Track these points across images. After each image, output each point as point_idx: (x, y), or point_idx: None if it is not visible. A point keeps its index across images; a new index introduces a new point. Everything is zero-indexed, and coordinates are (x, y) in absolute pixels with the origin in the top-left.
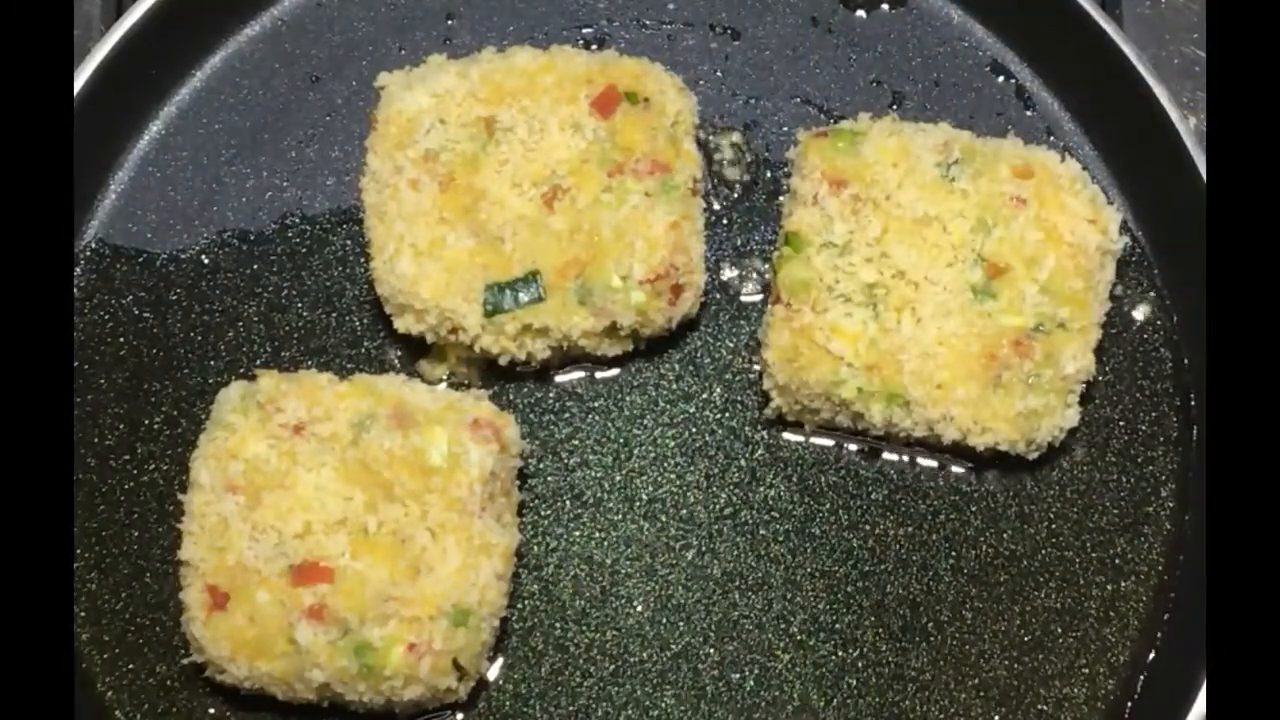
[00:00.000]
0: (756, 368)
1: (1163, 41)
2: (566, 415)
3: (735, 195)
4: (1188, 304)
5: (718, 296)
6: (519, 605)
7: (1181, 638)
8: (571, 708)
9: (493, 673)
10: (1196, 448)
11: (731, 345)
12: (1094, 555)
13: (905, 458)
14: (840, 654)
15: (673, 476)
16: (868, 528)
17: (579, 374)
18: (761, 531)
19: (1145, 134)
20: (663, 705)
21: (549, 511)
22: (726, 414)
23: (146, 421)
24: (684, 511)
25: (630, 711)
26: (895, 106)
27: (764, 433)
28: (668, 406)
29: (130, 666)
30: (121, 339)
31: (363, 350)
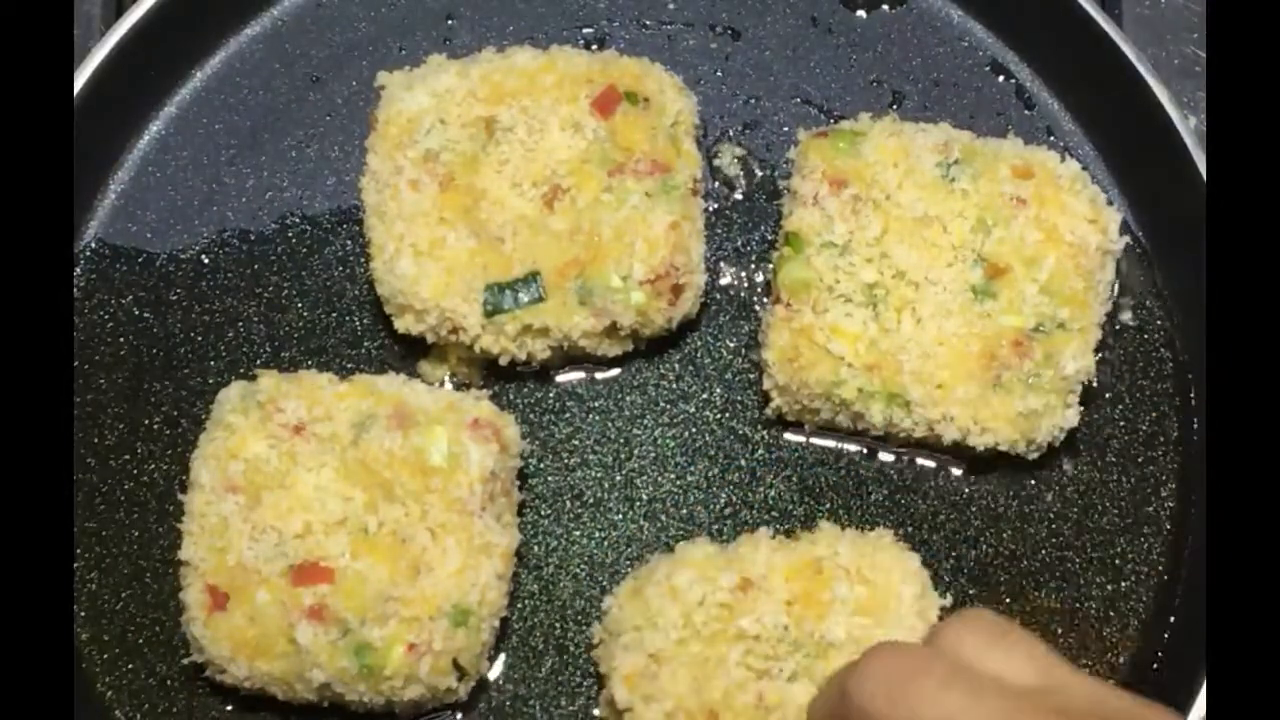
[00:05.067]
0: (757, 368)
1: (1163, 41)
2: (566, 415)
3: (735, 195)
4: (1188, 304)
5: (718, 296)
6: (519, 605)
7: (1182, 638)
8: (571, 708)
9: (493, 673)
10: (1196, 448)
11: (731, 345)
12: (1094, 555)
13: (905, 458)
14: None
15: (673, 476)
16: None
17: (579, 374)
18: None
19: (1145, 134)
20: None
21: (549, 511)
22: (726, 414)
23: (146, 421)
24: (684, 511)
25: None
26: (895, 106)
27: (764, 433)
28: (668, 406)
29: (130, 666)
30: (121, 339)
31: (363, 350)
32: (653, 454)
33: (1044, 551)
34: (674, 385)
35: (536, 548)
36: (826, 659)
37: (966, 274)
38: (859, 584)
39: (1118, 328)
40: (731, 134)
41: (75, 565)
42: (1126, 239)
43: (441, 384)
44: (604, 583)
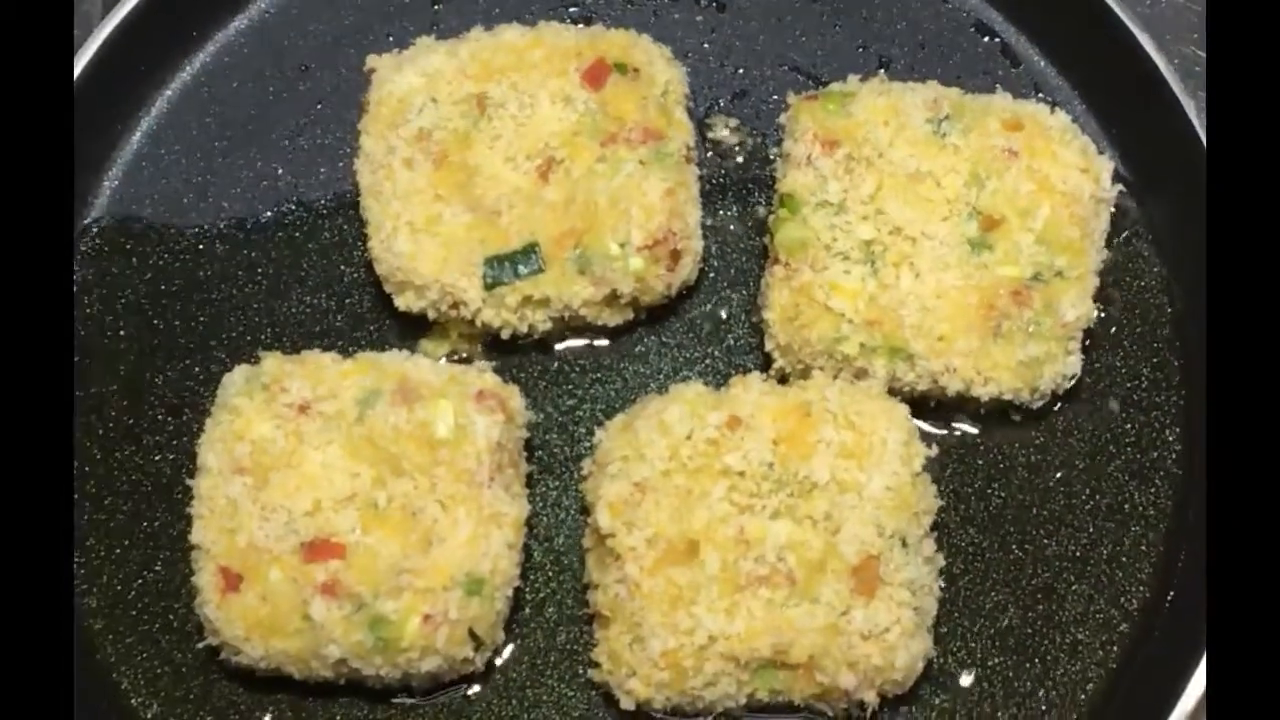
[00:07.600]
0: (757, 331)
1: (1163, 41)
2: (570, 386)
3: (729, 163)
4: (1182, 248)
5: (715, 263)
6: (530, 578)
7: (1191, 581)
8: (585, 678)
9: (506, 646)
10: (1197, 389)
11: (731, 311)
12: (1103, 502)
13: (911, 413)
14: None
15: None
16: None
17: (581, 344)
18: None
19: (1130, 80)
20: None
21: (557, 483)
22: (729, 378)
23: (150, 411)
24: None
25: None
26: (883, 70)
27: None
28: (671, 373)
29: (145, 654)
30: (122, 330)
31: (364, 332)
32: None
33: (1053, 500)
34: (676, 352)
35: (546, 519)
36: (809, 499)
37: (962, 227)
38: (845, 428)
39: (1115, 275)
40: (722, 104)
41: (87, 557)
42: (1120, 187)
43: (444, 361)
44: None
